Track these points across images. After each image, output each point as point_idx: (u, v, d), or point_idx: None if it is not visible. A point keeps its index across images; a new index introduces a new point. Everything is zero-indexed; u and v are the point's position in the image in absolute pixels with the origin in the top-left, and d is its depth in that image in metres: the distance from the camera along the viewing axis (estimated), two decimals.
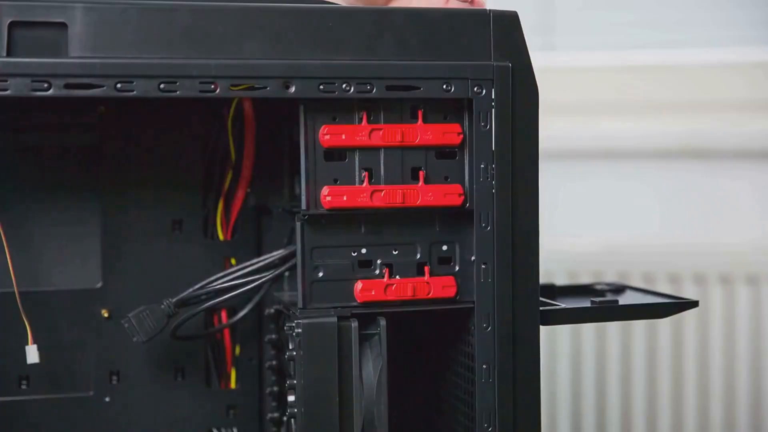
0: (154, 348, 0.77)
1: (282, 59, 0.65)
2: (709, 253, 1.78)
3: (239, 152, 0.77)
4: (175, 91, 0.64)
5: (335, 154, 0.68)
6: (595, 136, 1.74)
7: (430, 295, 0.70)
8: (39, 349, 0.73)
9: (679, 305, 0.79)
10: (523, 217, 0.70)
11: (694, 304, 0.79)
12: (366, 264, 0.69)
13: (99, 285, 0.77)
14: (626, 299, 0.83)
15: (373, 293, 0.69)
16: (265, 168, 0.78)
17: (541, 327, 0.71)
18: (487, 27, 0.69)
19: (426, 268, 0.70)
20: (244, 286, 0.74)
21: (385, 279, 0.69)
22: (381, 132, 0.68)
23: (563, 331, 1.80)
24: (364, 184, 0.68)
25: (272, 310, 0.79)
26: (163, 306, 0.73)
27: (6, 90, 0.61)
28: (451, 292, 0.70)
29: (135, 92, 0.63)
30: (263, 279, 0.73)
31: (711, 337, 1.78)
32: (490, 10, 0.69)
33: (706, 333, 1.78)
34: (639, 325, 1.79)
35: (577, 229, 1.80)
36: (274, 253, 0.74)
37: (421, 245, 0.70)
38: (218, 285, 0.74)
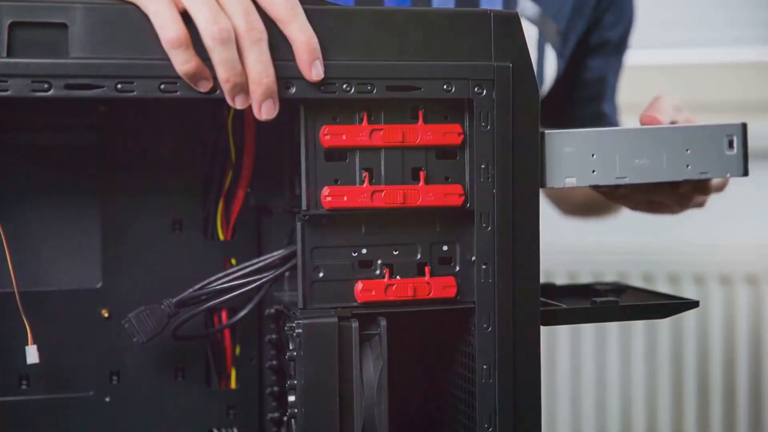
0: (154, 348, 0.77)
1: (282, 60, 0.64)
2: (709, 253, 1.78)
3: (239, 152, 0.77)
4: (175, 92, 0.64)
5: (336, 154, 0.68)
6: None
7: (430, 296, 0.70)
8: (39, 349, 0.73)
9: (679, 305, 0.79)
10: (524, 217, 0.70)
11: (694, 304, 0.79)
12: (366, 264, 0.69)
13: (99, 285, 0.77)
14: (626, 299, 0.83)
15: (373, 293, 0.69)
16: (265, 168, 0.78)
17: (541, 327, 0.71)
18: (487, 27, 0.69)
19: (426, 269, 0.70)
20: (244, 287, 0.74)
21: (386, 279, 0.69)
22: (381, 132, 0.68)
23: (563, 331, 1.80)
24: (365, 185, 0.68)
25: (272, 310, 0.79)
26: (163, 306, 0.73)
27: (6, 90, 0.61)
28: (451, 292, 0.70)
29: (135, 92, 0.63)
30: (263, 279, 0.73)
31: (711, 337, 1.78)
32: (490, 10, 0.69)
33: (706, 333, 1.78)
34: (639, 325, 1.79)
35: (577, 229, 1.80)
36: (275, 254, 0.74)
37: (421, 245, 0.70)
38: (218, 285, 0.74)
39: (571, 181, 0.73)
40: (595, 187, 0.92)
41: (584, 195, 1.24)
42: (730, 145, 0.79)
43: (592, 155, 0.74)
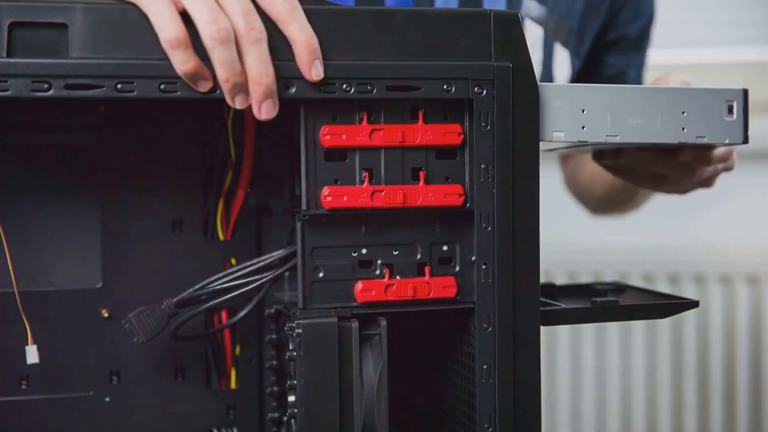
0: (154, 348, 0.77)
1: (282, 60, 0.64)
2: (709, 253, 1.78)
3: (239, 152, 0.77)
4: (175, 92, 0.64)
5: (336, 154, 0.68)
6: None
7: (430, 296, 0.70)
8: (39, 349, 0.73)
9: (679, 305, 0.79)
10: (524, 217, 0.70)
11: (694, 304, 0.79)
12: (366, 264, 0.69)
13: (99, 285, 0.77)
14: (626, 299, 0.83)
15: (373, 293, 0.69)
16: (265, 168, 0.78)
17: (541, 327, 0.71)
18: (487, 27, 0.69)
19: (426, 269, 0.70)
20: (244, 287, 0.74)
21: (386, 279, 0.69)
22: (381, 132, 0.68)
23: (563, 331, 1.80)
24: (365, 185, 0.68)
25: (272, 310, 0.79)
26: (163, 306, 0.73)
27: (6, 90, 0.61)
28: (451, 292, 0.70)
29: (135, 93, 0.63)
30: (263, 279, 0.73)
31: (711, 337, 1.78)
32: (490, 10, 0.69)
33: (706, 333, 1.78)
34: (639, 325, 1.79)
35: (577, 229, 1.80)
36: (275, 254, 0.74)
37: (421, 245, 0.70)
38: (218, 285, 0.74)
39: (559, 135, 0.72)
40: (598, 159, 0.91)
41: (603, 187, 1.24)
42: (730, 110, 0.76)
43: (583, 111, 0.72)
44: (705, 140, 0.76)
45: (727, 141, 0.77)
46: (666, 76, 0.86)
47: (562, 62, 1.08)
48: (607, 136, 0.73)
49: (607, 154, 0.90)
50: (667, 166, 0.87)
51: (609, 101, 0.73)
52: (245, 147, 0.77)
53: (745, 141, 0.78)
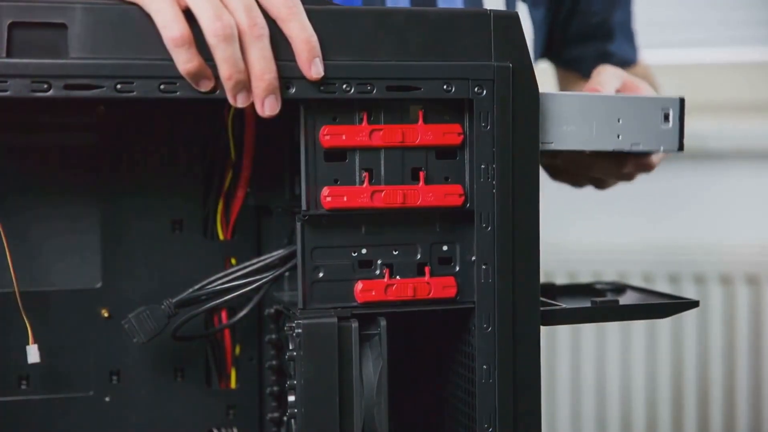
0: (154, 348, 0.77)
1: (282, 60, 0.64)
2: (709, 253, 1.78)
3: (239, 152, 0.77)
4: (175, 92, 0.64)
5: (335, 154, 0.68)
6: None
7: (430, 296, 0.70)
8: (39, 349, 0.73)
9: (679, 305, 0.79)
10: (524, 217, 0.70)
11: (694, 304, 0.79)
12: (366, 264, 0.69)
13: (99, 285, 0.77)
14: (626, 299, 0.83)
15: (373, 293, 0.69)
16: (265, 168, 0.78)
17: (541, 327, 0.71)
18: (487, 27, 0.69)
19: (426, 269, 0.70)
20: (244, 287, 0.74)
21: (386, 279, 0.69)
22: (381, 132, 0.68)
23: (563, 331, 1.80)
24: (365, 185, 0.68)
25: (272, 310, 0.79)
26: (163, 306, 0.73)
27: (6, 91, 0.61)
28: (451, 292, 0.70)
29: (135, 93, 0.63)
30: (263, 279, 0.73)
31: (711, 337, 1.78)
32: (490, 10, 0.69)
33: (706, 333, 1.78)
34: (639, 325, 1.79)
35: (577, 229, 1.80)
36: (274, 254, 0.74)
37: (421, 245, 0.70)
38: (218, 285, 0.74)
39: None
40: None
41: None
42: (666, 118, 0.77)
43: None
44: (640, 147, 0.77)
45: (662, 148, 0.78)
46: (599, 75, 0.85)
47: (523, 15, 1.07)
48: (541, 143, 0.72)
49: (544, 155, 0.90)
50: (604, 172, 0.87)
51: (543, 108, 0.72)
52: (245, 147, 0.77)
53: (680, 149, 0.78)
